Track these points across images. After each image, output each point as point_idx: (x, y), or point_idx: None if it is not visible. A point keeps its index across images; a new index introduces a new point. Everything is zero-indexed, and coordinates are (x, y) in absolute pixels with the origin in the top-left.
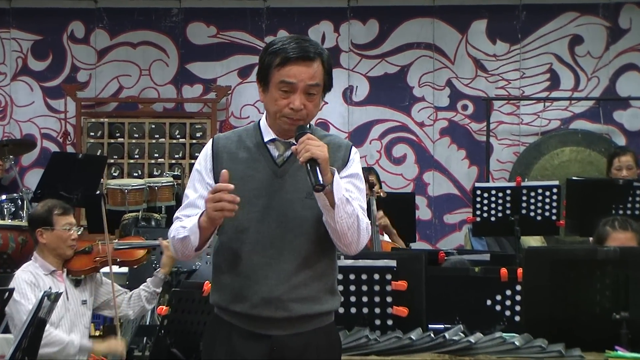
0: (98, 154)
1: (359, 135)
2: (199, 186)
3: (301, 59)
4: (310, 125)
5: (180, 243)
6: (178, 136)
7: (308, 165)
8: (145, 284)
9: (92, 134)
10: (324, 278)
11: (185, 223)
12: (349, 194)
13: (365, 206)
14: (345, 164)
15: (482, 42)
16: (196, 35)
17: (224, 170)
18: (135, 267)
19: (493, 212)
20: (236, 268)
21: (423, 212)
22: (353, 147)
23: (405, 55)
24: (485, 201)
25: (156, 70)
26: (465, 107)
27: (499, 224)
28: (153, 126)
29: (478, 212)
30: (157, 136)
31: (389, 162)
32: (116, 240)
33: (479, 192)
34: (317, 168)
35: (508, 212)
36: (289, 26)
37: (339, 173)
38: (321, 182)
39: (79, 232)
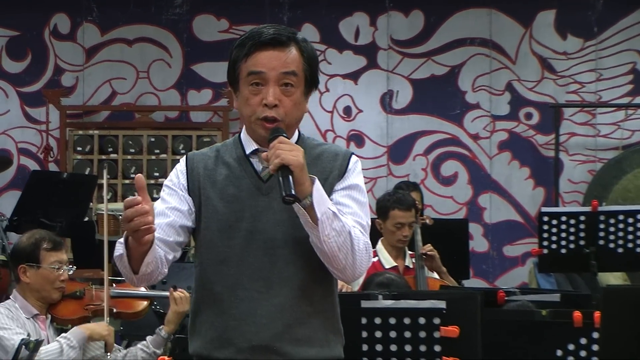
0: (86, 172)
1: (400, 150)
2: (170, 198)
3: (270, 44)
4: (300, 135)
5: (119, 263)
6: (182, 151)
7: (279, 174)
8: (144, 342)
9: (79, 148)
10: (325, 314)
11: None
12: (340, 208)
13: (366, 222)
14: (342, 175)
15: (549, 37)
16: (204, 31)
17: (138, 175)
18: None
19: (563, 243)
20: (218, 307)
21: (478, 243)
22: (353, 156)
23: (456, 54)
24: (554, 230)
25: (156, 73)
26: (529, 116)
27: (570, 258)
28: (152, 139)
29: (545, 243)
30: (158, 151)
31: (436, 182)
32: (114, 285)
33: (546, 218)
34: (290, 177)
35: (582, 243)
36: (315, 19)
37: (335, 185)
38: (292, 192)
39: (70, 272)
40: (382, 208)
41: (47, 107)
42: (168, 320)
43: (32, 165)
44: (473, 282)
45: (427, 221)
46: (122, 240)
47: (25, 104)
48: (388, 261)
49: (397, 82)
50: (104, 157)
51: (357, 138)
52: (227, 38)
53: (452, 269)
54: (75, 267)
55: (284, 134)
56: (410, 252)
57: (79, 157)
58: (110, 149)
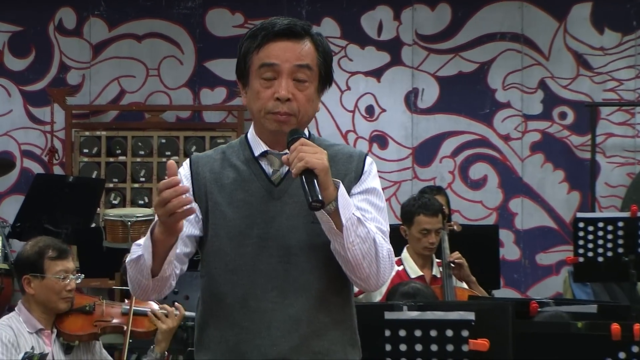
0: (93, 176)
1: (425, 152)
2: None
3: (284, 35)
4: (309, 134)
5: (134, 267)
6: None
7: (303, 178)
8: None
9: (85, 150)
10: (343, 325)
11: (142, 240)
12: (361, 213)
13: (386, 228)
14: (359, 177)
15: (585, 31)
16: (218, 25)
17: (170, 161)
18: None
19: (600, 250)
20: (228, 319)
21: (509, 251)
22: (368, 157)
23: (486, 50)
24: (590, 237)
25: (167, 70)
26: (563, 115)
27: (608, 266)
28: (163, 141)
29: (581, 251)
30: (169, 153)
31: (464, 185)
32: (125, 301)
33: (581, 224)
34: (315, 181)
35: (620, 250)
36: (336, 13)
37: (351, 188)
38: (319, 197)
39: (78, 281)
40: (407, 213)
41: (52, 107)
42: (158, 340)
43: (36, 169)
44: (504, 292)
45: (455, 227)
46: (139, 242)
47: (28, 104)
48: (414, 270)
49: (423, 80)
50: (111, 159)
51: (380, 139)
52: (242, 33)
53: (482, 278)
54: (83, 275)
55: (304, 136)
56: (438, 260)
57: (86, 159)
58: (118, 151)
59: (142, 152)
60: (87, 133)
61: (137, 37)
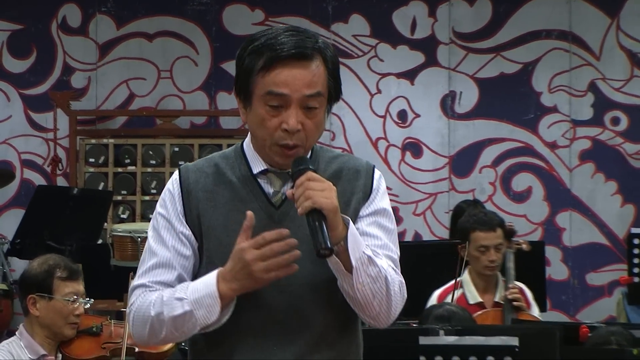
0: (100, 188)
1: (464, 161)
2: (169, 237)
3: (294, 58)
4: (313, 150)
5: (171, 322)
6: None
7: (310, 219)
8: None
9: (91, 160)
10: None
11: (171, 293)
12: (372, 247)
13: (397, 255)
14: (367, 197)
15: None
16: (236, 23)
17: (249, 212)
18: None
19: None
20: (223, 356)
21: (556, 269)
22: (376, 171)
23: (530, 49)
24: None
25: (180, 72)
26: (616, 121)
27: None
28: (176, 149)
29: (636, 270)
30: (182, 163)
31: (506, 198)
32: None
33: (636, 241)
34: (323, 224)
35: None
36: (365, 9)
37: (359, 210)
38: (329, 245)
39: (87, 306)
40: (463, 231)
41: (55, 112)
42: None
43: (38, 180)
44: (550, 315)
45: (524, 246)
46: (177, 294)
47: (29, 109)
48: (473, 295)
49: (461, 82)
50: (120, 169)
51: (414, 147)
52: None
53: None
54: (92, 299)
55: (311, 167)
56: (504, 279)
57: (92, 169)
58: (127, 161)
59: (153, 162)
60: (93, 141)
61: (148, 36)
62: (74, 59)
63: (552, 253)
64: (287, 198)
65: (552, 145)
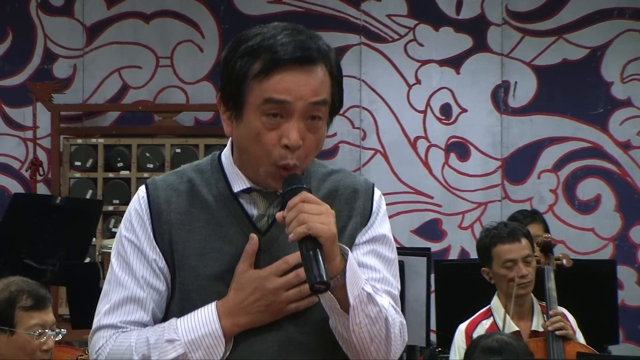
0: (88, 196)
1: (519, 164)
2: (139, 266)
3: (297, 62)
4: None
5: None
6: None
7: (304, 247)
8: None
9: (77, 163)
10: None
11: (158, 333)
12: (370, 281)
13: (397, 289)
14: (366, 221)
15: None
16: (249, 1)
17: (252, 235)
18: None
19: None
20: None
21: (631, 294)
22: (376, 190)
23: (599, 31)
24: None
25: (183, 59)
26: None
27: None
28: (178, 150)
29: None
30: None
31: (570, 208)
32: None
33: None
34: (319, 253)
35: None
36: None
37: (355, 236)
38: (325, 278)
39: (58, 338)
40: (482, 250)
41: (34, 107)
42: None
43: (14, 187)
44: (624, 348)
45: (565, 262)
46: (167, 335)
47: (4, 103)
48: (506, 324)
49: (516, 71)
50: (111, 174)
51: (460, 148)
52: (279, 11)
53: (594, 329)
54: (64, 330)
55: (305, 186)
56: (542, 303)
57: (78, 175)
58: (120, 164)
59: (151, 166)
60: (79, 141)
61: (144, 17)
62: (57, 44)
63: (625, 274)
64: (276, 222)
65: (625, 146)
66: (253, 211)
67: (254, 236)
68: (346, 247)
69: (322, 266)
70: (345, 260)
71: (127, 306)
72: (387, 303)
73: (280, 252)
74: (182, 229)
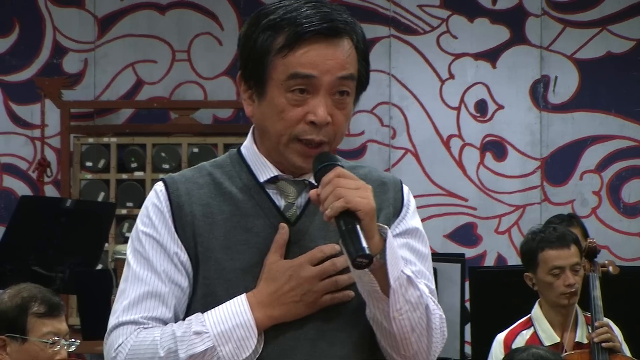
0: (100, 199)
1: (560, 165)
2: (160, 260)
3: (323, 34)
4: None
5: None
6: None
7: (341, 223)
8: None
9: (88, 164)
10: None
11: (185, 326)
12: (409, 268)
13: (433, 286)
14: (398, 212)
15: None
16: None
17: (282, 224)
18: None
19: None
20: None
21: None
22: (404, 185)
23: None
24: None
25: (201, 53)
26: None
27: None
28: (195, 150)
29: None
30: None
31: (615, 211)
32: None
33: None
34: (358, 227)
35: None
36: None
37: (389, 226)
38: (367, 252)
39: (72, 349)
40: (527, 254)
41: (43, 104)
42: None
43: (21, 189)
44: None
45: (611, 269)
46: (195, 327)
47: (10, 100)
48: (548, 334)
49: (556, 64)
50: (124, 176)
51: (496, 147)
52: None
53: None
54: (78, 341)
55: (339, 163)
56: (587, 314)
57: (89, 176)
58: (134, 165)
59: (167, 166)
60: (90, 140)
61: (160, 8)
62: (67, 37)
63: None
64: (305, 212)
65: None
66: (281, 201)
67: (284, 225)
68: (385, 226)
69: (362, 240)
70: (384, 240)
71: (148, 301)
72: (427, 291)
73: (311, 243)
74: (205, 221)
